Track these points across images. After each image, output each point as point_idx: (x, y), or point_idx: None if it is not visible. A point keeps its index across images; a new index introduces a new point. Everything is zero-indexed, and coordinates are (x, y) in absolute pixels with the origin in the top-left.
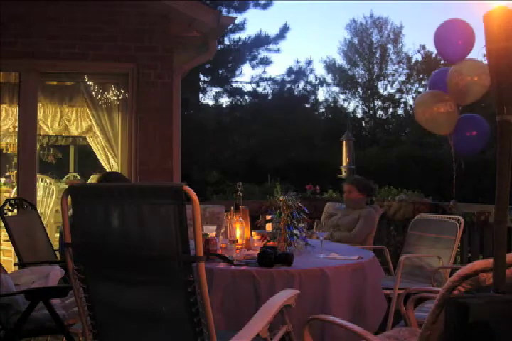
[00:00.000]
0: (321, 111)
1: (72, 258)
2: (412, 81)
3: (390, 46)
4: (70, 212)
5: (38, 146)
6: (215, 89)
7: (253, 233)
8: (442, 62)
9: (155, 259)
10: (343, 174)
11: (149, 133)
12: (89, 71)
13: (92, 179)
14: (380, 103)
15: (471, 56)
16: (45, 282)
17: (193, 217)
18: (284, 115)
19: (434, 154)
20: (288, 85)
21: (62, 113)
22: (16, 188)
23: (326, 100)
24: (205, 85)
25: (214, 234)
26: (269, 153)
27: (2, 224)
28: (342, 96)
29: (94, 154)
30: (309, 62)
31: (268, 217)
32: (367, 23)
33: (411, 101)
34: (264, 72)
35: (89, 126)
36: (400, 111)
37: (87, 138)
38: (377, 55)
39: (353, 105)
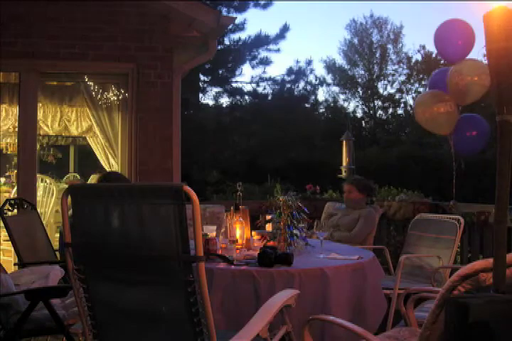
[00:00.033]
0: (321, 111)
1: (72, 258)
2: (412, 81)
3: (390, 46)
4: (70, 212)
5: (38, 146)
6: (215, 89)
7: (253, 233)
8: (442, 62)
9: (155, 259)
10: (343, 174)
11: (149, 133)
12: (89, 71)
13: (92, 179)
14: (380, 103)
15: (471, 56)
16: (45, 282)
17: (193, 217)
18: (284, 115)
19: (434, 154)
20: (288, 85)
21: (62, 113)
22: (16, 188)
23: (326, 100)
24: (205, 85)
25: (214, 234)
26: (269, 153)
27: (2, 224)
28: (342, 96)
29: (94, 154)
30: (309, 62)
31: (268, 217)
32: (367, 23)
33: (411, 101)
34: (264, 72)
35: (89, 126)
36: (400, 111)
37: (87, 138)
38: (377, 55)
39: (353, 105)
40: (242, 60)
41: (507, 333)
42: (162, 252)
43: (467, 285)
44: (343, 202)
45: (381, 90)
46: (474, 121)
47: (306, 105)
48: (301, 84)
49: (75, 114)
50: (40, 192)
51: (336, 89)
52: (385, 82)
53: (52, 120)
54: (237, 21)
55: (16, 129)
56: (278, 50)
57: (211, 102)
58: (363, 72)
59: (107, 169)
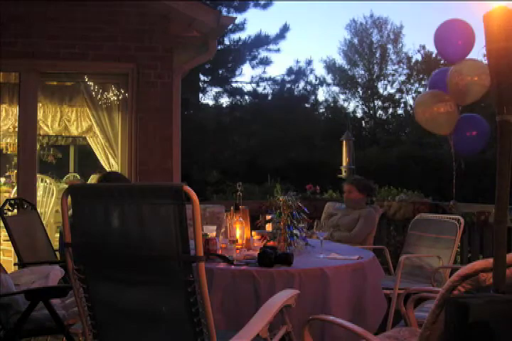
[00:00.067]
0: (321, 111)
1: (72, 258)
2: (412, 81)
3: (390, 46)
4: (70, 212)
5: (38, 146)
6: (215, 89)
7: (253, 233)
8: (442, 62)
9: (155, 259)
10: (343, 174)
11: (149, 133)
12: (89, 71)
13: (92, 179)
14: (380, 103)
15: (471, 56)
16: (45, 282)
17: (193, 217)
18: (284, 115)
19: (434, 154)
20: (288, 85)
21: (62, 113)
22: (16, 188)
23: (326, 100)
24: (205, 85)
25: (214, 234)
26: (269, 153)
27: (2, 224)
28: (342, 96)
29: (94, 154)
30: (309, 62)
31: (268, 217)
32: (367, 23)
33: (411, 101)
34: (264, 72)
35: (89, 126)
36: (400, 111)
37: (87, 138)
38: (377, 55)
39: (353, 105)
40: (242, 60)
41: (507, 333)
42: (162, 252)
43: (467, 285)
44: (343, 202)
45: (381, 90)
46: (474, 121)
47: (306, 105)
48: (301, 84)
49: (75, 114)
50: (40, 192)
51: (336, 89)
52: (385, 82)
53: (52, 120)
54: (237, 21)
55: (16, 129)
56: (278, 50)
57: (211, 102)
58: (363, 72)
59: (107, 169)
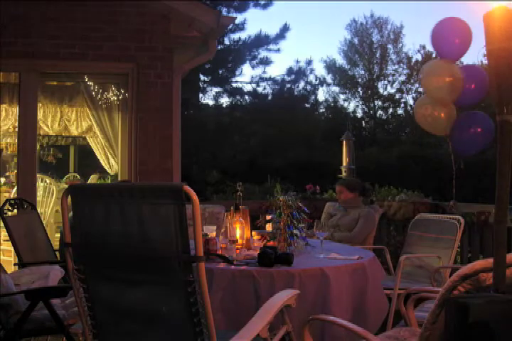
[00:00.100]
0: (321, 111)
1: (72, 258)
2: (412, 81)
3: (390, 46)
4: (71, 213)
5: (38, 146)
6: (215, 89)
7: (253, 233)
8: None
9: (155, 259)
10: (343, 174)
11: (149, 133)
12: (89, 71)
13: (92, 179)
14: (380, 103)
15: (468, 54)
16: (45, 282)
17: (193, 217)
18: (284, 115)
19: (434, 154)
20: (288, 85)
21: (62, 113)
22: (16, 188)
23: (326, 100)
24: (205, 85)
25: (214, 234)
26: (269, 153)
27: (2, 224)
28: (342, 96)
29: (94, 154)
30: (309, 62)
31: (268, 217)
32: (367, 23)
33: (411, 101)
34: (264, 72)
35: (89, 126)
36: (400, 111)
37: (87, 138)
38: (378, 55)
39: (353, 105)
40: (242, 60)
41: (507, 333)
42: (162, 252)
43: (467, 285)
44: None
45: (381, 90)
46: (476, 119)
47: (306, 105)
48: (301, 84)
49: (75, 114)
50: (40, 192)
51: (336, 89)
52: (385, 82)
53: (52, 120)
54: (237, 21)
55: (16, 129)
56: (278, 50)
57: (211, 102)
58: (363, 72)
59: (107, 169)
